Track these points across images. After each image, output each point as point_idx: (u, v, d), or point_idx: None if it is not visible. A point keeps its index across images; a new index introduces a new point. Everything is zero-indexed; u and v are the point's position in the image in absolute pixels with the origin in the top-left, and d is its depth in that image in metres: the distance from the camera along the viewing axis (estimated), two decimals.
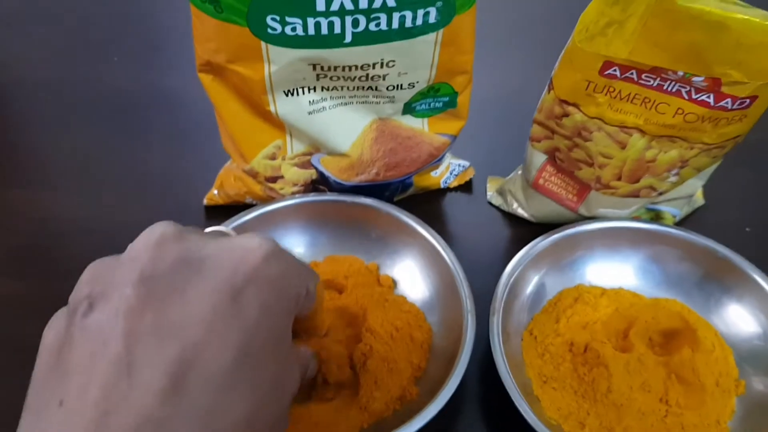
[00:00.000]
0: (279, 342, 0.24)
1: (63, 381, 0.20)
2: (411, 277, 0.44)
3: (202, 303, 0.21)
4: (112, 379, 0.20)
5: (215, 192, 0.50)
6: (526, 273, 0.42)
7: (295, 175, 0.47)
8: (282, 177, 0.47)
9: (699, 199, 0.51)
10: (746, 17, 0.37)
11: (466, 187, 0.54)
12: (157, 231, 0.23)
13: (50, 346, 0.22)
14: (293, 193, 0.47)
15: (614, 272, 0.45)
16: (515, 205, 0.50)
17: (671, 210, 0.47)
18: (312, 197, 0.46)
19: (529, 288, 0.43)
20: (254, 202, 0.49)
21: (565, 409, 0.38)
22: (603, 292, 0.43)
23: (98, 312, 0.21)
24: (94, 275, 0.23)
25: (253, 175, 0.46)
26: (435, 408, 0.34)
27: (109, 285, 0.22)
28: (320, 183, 0.48)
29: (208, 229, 0.28)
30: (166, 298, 0.21)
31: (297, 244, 0.46)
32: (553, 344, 0.41)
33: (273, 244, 0.25)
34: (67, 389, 0.20)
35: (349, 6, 0.35)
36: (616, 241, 0.44)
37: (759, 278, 0.41)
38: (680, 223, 0.50)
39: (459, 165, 0.53)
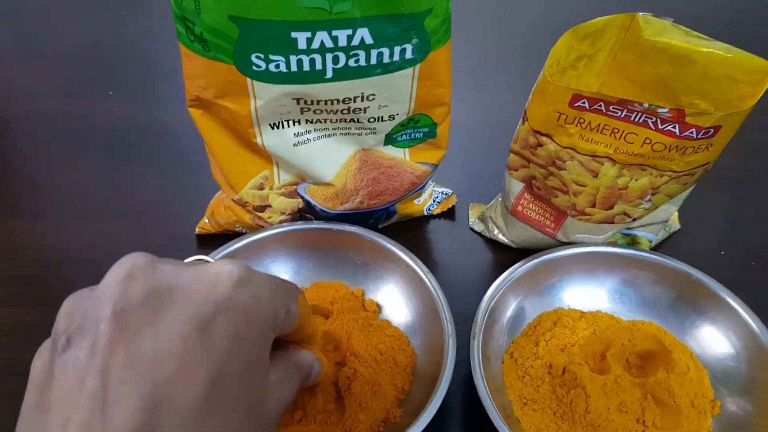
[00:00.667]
0: (253, 369, 0.24)
1: (45, 419, 0.21)
2: (395, 302, 0.46)
3: (171, 336, 0.22)
4: (88, 417, 0.20)
5: (206, 221, 0.52)
6: (505, 297, 0.43)
7: (282, 204, 0.48)
8: (270, 206, 0.48)
9: (675, 224, 0.52)
10: (710, 50, 0.39)
11: (449, 214, 0.55)
12: (128, 263, 0.23)
13: (35, 381, 0.22)
14: (281, 222, 0.49)
15: (592, 296, 0.46)
16: (496, 231, 0.52)
17: (647, 235, 0.49)
18: (299, 225, 0.48)
19: (509, 312, 0.44)
20: (244, 231, 0.50)
21: (544, 430, 0.39)
22: (581, 315, 0.45)
23: (75, 348, 0.21)
24: (71, 309, 0.23)
25: (242, 204, 0.48)
26: (416, 430, 0.35)
27: (84, 320, 0.22)
28: (307, 211, 0.49)
29: (189, 259, 0.29)
30: (138, 331, 0.21)
31: (284, 271, 0.48)
32: (533, 367, 0.42)
33: (244, 270, 0.24)
34: (48, 428, 0.20)
35: (329, 44, 0.37)
36: (593, 265, 0.46)
37: (731, 300, 0.42)
38: (656, 248, 0.51)
39: (442, 192, 0.55)
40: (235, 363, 0.23)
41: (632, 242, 0.49)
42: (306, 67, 0.38)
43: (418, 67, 0.40)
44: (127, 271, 0.23)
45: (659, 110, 0.37)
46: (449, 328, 0.40)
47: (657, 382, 0.40)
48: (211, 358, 0.22)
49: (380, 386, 0.39)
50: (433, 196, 0.54)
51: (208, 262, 0.28)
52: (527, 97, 0.42)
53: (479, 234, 0.53)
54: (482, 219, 0.53)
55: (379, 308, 0.46)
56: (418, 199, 0.53)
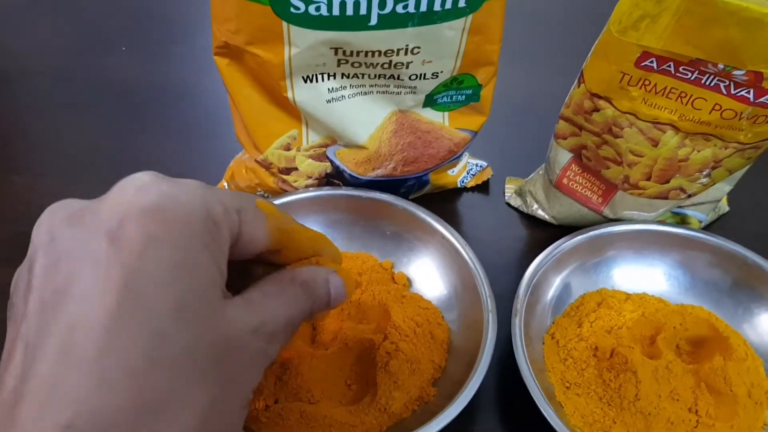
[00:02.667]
0: (185, 271, 0.21)
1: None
2: (427, 275, 0.43)
3: (84, 257, 0.21)
4: (16, 355, 0.20)
5: (225, 184, 0.49)
6: (548, 274, 0.41)
7: (309, 167, 0.45)
8: (296, 169, 0.45)
9: (724, 206, 0.49)
10: None
11: (483, 188, 0.52)
12: (56, 205, 0.23)
13: None
14: (307, 186, 0.46)
15: (639, 276, 0.43)
16: (535, 206, 0.49)
17: (697, 215, 0.46)
18: (326, 191, 0.44)
19: (552, 290, 0.41)
20: (266, 195, 0.47)
21: (589, 416, 0.36)
22: (627, 296, 0.42)
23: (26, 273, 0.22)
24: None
25: (267, 166, 0.45)
26: (455, 410, 0.32)
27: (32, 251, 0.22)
28: (335, 177, 0.46)
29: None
30: (58, 257, 0.21)
31: None
32: (576, 349, 0.39)
33: (152, 175, 0.23)
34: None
35: None
36: (643, 244, 0.43)
37: None
38: (705, 229, 0.48)
39: (476, 165, 0.52)
40: (153, 265, 0.20)
41: (682, 221, 0.46)
42: (349, 10, 0.35)
43: (470, 18, 0.37)
44: (53, 208, 0.23)
45: (734, 72, 0.34)
46: (489, 304, 0.37)
47: (713, 369, 0.37)
48: (121, 266, 0.20)
49: (419, 364, 0.37)
50: (467, 168, 0.51)
51: None
52: (571, 66, 0.40)
53: (516, 209, 0.50)
54: (520, 193, 0.50)
55: (409, 282, 0.43)
56: (452, 170, 0.50)
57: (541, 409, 0.33)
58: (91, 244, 0.20)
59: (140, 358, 0.19)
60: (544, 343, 0.40)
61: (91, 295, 0.20)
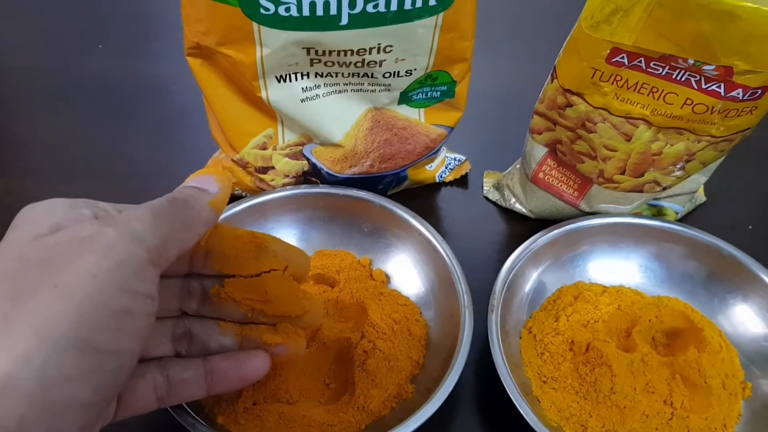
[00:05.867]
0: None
1: None
2: (405, 272, 0.43)
3: None
4: None
5: None
6: (525, 269, 0.41)
7: (286, 165, 0.45)
8: (273, 168, 0.45)
9: (701, 196, 0.50)
10: (757, 6, 0.36)
11: (462, 182, 0.52)
12: None
13: None
14: (284, 185, 0.46)
15: (615, 269, 0.43)
16: (513, 200, 0.49)
17: (674, 206, 0.46)
18: (303, 189, 0.44)
19: (528, 285, 0.41)
20: (244, 194, 0.47)
21: (566, 410, 0.36)
22: (604, 290, 0.42)
23: None
24: None
25: (243, 165, 0.45)
26: (433, 406, 0.33)
27: None
28: (312, 175, 0.46)
29: None
30: None
31: (287, 237, 0.45)
32: (553, 343, 0.39)
33: None
34: None
35: None
36: (618, 237, 0.43)
37: (766, 277, 0.40)
38: (682, 220, 0.48)
39: (455, 159, 0.52)
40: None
41: (658, 213, 0.46)
42: (319, 11, 0.35)
43: (441, 15, 0.37)
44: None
45: (705, 67, 0.34)
46: (465, 300, 0.38)
47: (687, 361, 0.37)
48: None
49: (397, 361, 0.37)
50: (446, 163, 0.51)
51: None
52: (548, 59, 0.40)
53: (494, 203, 0.50)
54: (498, 187, 0.50)
55: (387, 278, 0.43)
56: (430, 165, 0.50)
57: (517, 405, 0.33)
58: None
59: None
60: (521, 338, 0.40)
61: None
